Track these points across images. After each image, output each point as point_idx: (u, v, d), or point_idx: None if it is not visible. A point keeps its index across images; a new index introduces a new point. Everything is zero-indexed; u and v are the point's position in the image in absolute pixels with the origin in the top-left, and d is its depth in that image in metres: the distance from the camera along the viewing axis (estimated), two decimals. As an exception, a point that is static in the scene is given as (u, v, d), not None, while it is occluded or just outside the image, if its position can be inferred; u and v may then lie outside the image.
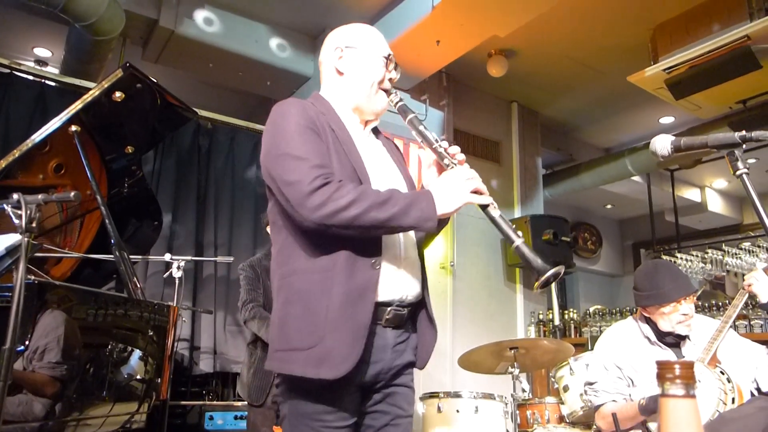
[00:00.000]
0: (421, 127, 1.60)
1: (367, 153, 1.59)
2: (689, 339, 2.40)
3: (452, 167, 1.53)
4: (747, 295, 2.37)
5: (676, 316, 2.31)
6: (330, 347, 1.37)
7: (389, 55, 1.67)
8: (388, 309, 1.49)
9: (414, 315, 1.60)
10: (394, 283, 1.51)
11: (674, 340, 2.39)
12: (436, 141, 1.57)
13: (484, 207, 1.49)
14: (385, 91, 1.65)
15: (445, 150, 1.56)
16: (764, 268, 2.37)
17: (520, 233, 1.46)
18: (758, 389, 2.30)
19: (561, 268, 1.40)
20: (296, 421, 1.43)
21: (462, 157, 1.56)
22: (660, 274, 2.37)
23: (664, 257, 6.64)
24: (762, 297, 2.31)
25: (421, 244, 1.67)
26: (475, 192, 1.48)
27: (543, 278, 1.39)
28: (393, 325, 1.52)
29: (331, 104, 1.65)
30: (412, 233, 1.61)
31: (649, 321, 2.43)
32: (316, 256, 1.45)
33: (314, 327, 1.40)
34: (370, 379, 1.49)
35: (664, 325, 2.35)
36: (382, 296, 1.48)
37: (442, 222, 1.61)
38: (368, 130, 1.70)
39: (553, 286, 5.68)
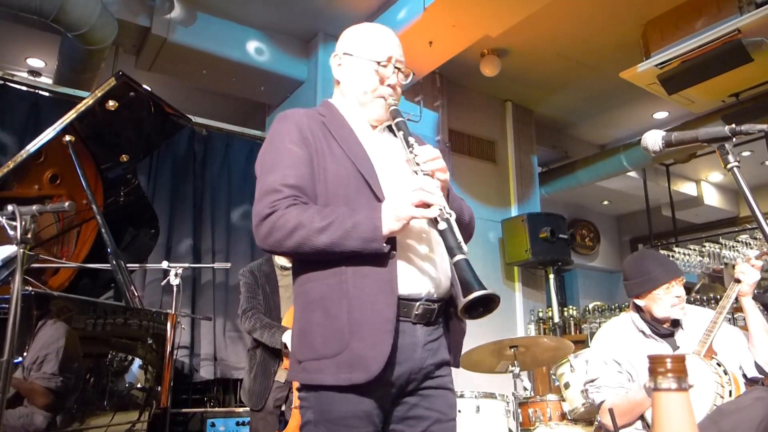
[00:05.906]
0: (401, 133, 1.51)
1: (375, 149, 1.54)
2: (682, 328, 2.41)
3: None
4: (739, 285, 2.35)
5: (670, 298, 2.33)
6: (357, 350, 1.33)
7: (384, 60, 1.60)
8: (417, 304, 1.41)
9: (447, 311, 1.51)
10: (421, 277, 1.44)
11: (669, 331, 2.40)
12: (410, 148, 1.47)
13: (433, 221, 1.38)
14: (383, 96, 1.59)
15: (415, 157, 1.45)
16: (756, 255, 2.37)
17: (466, 249, 1.33)
18: (744, 375, 2.30)
19: (496, 297, 1.26)
20: (324, 428, 1.36)
21: (431, 166, 1.43)
22: (647, 261, 2.41)
23: (662, 252, 6.65)
24: (744, 287, 2.30)
25: None
26: (421, 205, 1.34)
27: (472, 297, 1.24)
28: (424, 322, 1.43)
29: (338, 108, 1.63)
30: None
31: (642, 314, 2.44)
32: (327, 259, 1.40)
33: (338, 332, 1.35)
34: (401, 381, 1.40)
35: (659, 311, 2.35)
36: (408, 290, 1.41)
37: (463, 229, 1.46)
38: (380, 128, 1.65)
39: (552, 282, 5.71)
